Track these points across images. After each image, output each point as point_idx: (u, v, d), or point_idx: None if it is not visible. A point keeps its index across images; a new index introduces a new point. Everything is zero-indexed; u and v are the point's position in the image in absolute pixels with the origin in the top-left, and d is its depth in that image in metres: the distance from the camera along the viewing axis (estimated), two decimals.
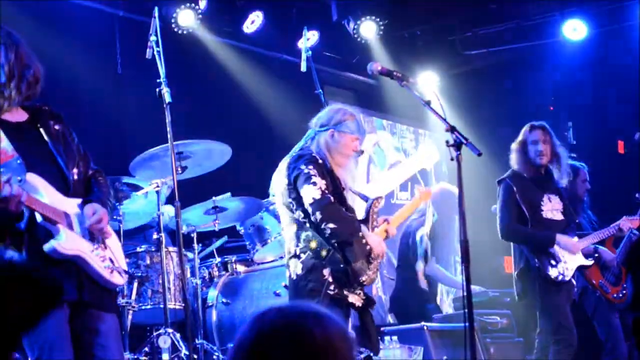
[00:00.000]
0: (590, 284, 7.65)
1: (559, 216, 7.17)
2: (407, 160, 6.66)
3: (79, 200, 4.31)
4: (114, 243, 4.45)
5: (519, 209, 7.09)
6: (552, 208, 7.15)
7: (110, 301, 4.39)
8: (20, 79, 4.25)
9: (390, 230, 5.84)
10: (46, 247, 4.04)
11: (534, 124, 7.28)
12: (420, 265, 8.93)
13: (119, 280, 4.34)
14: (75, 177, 4.32)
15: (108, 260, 4.29)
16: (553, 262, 6.97)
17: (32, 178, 4.09)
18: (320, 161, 5.58)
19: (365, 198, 5.86)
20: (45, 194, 4.11)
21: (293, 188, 5.55)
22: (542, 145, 7.16)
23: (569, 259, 7.05)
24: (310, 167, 5.49)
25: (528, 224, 7.07)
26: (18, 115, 4.31)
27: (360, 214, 5.77)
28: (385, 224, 5.84)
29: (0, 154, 4.08)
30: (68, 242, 4.09)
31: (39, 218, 4.05)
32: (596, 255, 7.53)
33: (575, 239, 7.15)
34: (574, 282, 7.24)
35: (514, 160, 7.30)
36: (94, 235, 4.30)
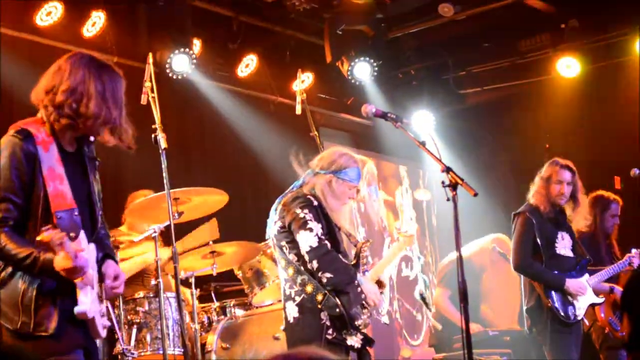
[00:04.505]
0: (600, 321, 7.60)
1: (570, 253, 7.17)
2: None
3: (94, 250, 4.29)
4: None
5: (535, 243, 7.06)
6: (564, 245, 7.14)
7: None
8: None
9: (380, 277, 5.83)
10: (78, 310, 4.06)
11: (562, 162, 7.20)
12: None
13: (104, 335, 4.41)
14: (99, 223, 4.38)
15: (105, 317, 4.37)
16: (567, 302, 6.95)
17: (82, 237, 4.12)
18: (315, 203, 5.53)
19: (354, 242, 5.77)
20: (85, 252, 4.11)
21: (288, 232, 5.52)
22: (566, 188, 7.13)
23: (581, 299, 7.03)
24: (306, 210, 5.46)
25: (542, 258, 7.05)
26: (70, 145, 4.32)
27: (350, 258, 5.71)
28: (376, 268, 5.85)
29: (64, 198, 4.10)
30: (92, 306, 4.13)
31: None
32: (611, 294, 7.48)
33: (586, 276, 7.12)
34: (585, 320, 7.24)
35: (532, 193, 7.23)
36: (103, 292, 4.37)
